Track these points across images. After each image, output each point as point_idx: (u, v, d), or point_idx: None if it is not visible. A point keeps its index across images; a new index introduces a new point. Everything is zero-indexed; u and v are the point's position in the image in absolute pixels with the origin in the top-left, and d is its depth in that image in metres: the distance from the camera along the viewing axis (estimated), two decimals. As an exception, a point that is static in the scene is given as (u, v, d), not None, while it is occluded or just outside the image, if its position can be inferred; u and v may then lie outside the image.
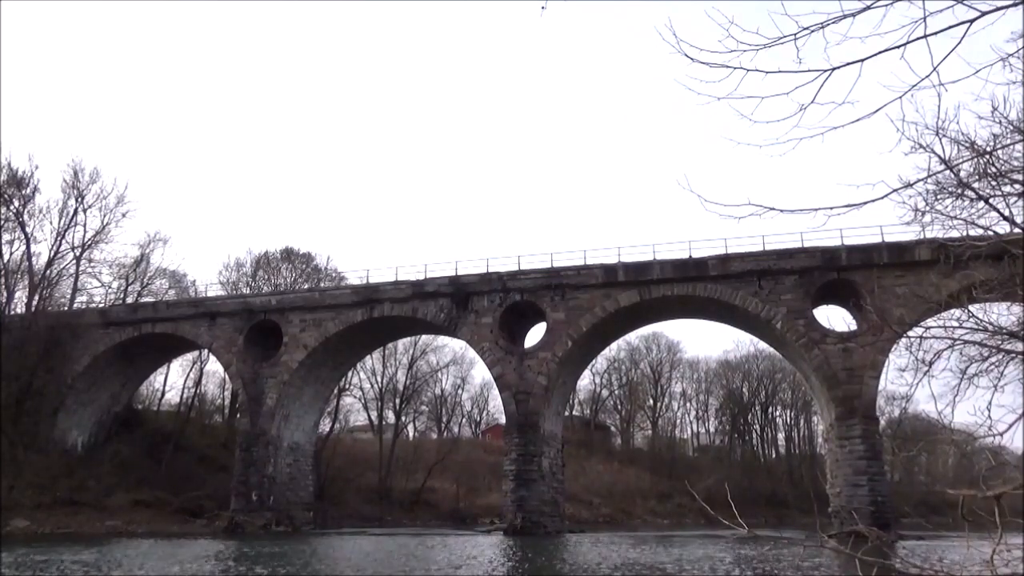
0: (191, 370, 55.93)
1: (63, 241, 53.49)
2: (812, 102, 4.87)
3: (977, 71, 4.83)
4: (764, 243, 36.46)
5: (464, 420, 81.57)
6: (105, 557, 23.03)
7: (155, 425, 49.86)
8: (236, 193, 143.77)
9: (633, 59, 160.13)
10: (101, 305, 47.79)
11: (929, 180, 6.18)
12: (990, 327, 7.44)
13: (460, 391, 78.11)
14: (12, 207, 49.45)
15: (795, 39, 4.73)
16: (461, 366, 74.26)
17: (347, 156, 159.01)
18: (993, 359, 7.68)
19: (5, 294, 48.38)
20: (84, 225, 51.89)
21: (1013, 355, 7.56)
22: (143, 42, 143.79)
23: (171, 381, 79.99)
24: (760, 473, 77.32)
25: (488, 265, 40.21)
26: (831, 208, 5.51)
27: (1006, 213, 6.52)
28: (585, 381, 77.38)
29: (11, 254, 54.08)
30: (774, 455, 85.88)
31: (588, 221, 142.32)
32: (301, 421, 43.61)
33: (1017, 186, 6.27)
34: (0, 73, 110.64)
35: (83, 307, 47.31)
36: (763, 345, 56.82)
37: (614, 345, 64.98)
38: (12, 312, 46.73)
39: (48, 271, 54.08)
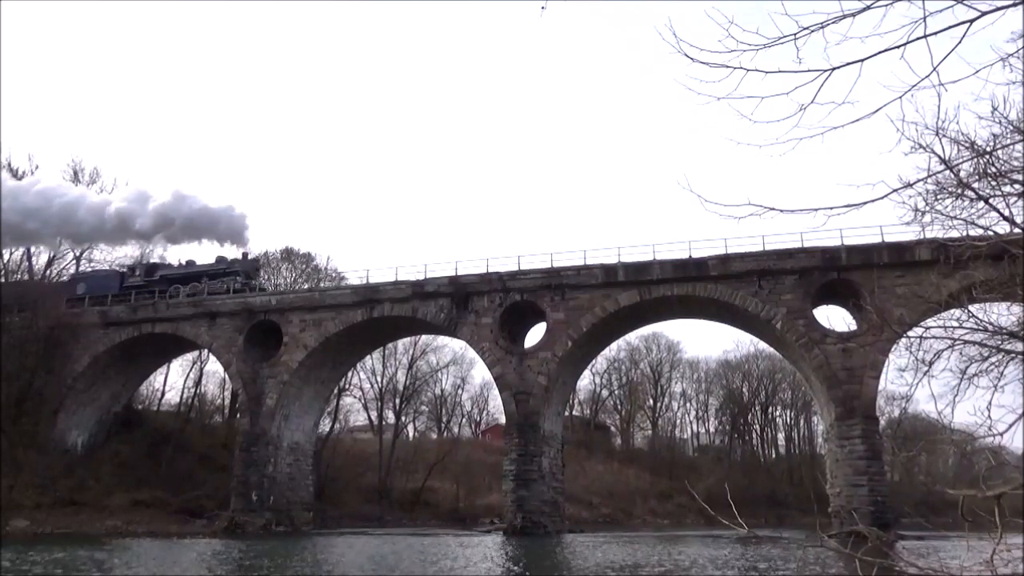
0: (191, 370, 56.03)
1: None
2: (812, 102, 4.87)
3: (977, 71, 4.83)
4: (764, 243, 36.46)
5: (464, 420, 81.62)
6: (105, 557, 23.03)
7: (155, 425, 49.86)
8: (236, 193, 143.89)
9: (633, 59, 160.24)
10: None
11: (929, 180, 6.17)
12: (990, 327, 7.43)
13: (460, 391, 78.18)
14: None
15: (795, 39, 4.73)
16: (461, 366, 74.32)
17: (347, 156, 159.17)
18: (993, 359, 7.66)
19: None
20: (84, 225, 51.93)
21: (1013, 355, 7.55)
22: (143, 42, 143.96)
23: (171, 381, 79.98)
24: (760, 473, 77.26)
25: (488, 265, 40.24)
26: (831, 208, 5.50)
27: (1006, 213, 6.50)
28: (585, 381, 77.40)
29: (11, 254, 54.20)
30: (774, 455, 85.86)
31: (588, 221, 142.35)
32: (301, 421, 43.61)
33: (1017, 186, 6.26)
34: (0, 73, 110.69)
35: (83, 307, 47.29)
36: (763, 345, 56.81)
37: (614, 345, 64.99)
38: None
39: (48, 271, 54.17)
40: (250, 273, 47.14)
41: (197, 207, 49.86)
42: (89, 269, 53.02)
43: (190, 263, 49.09)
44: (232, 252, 50.08)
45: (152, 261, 50.44)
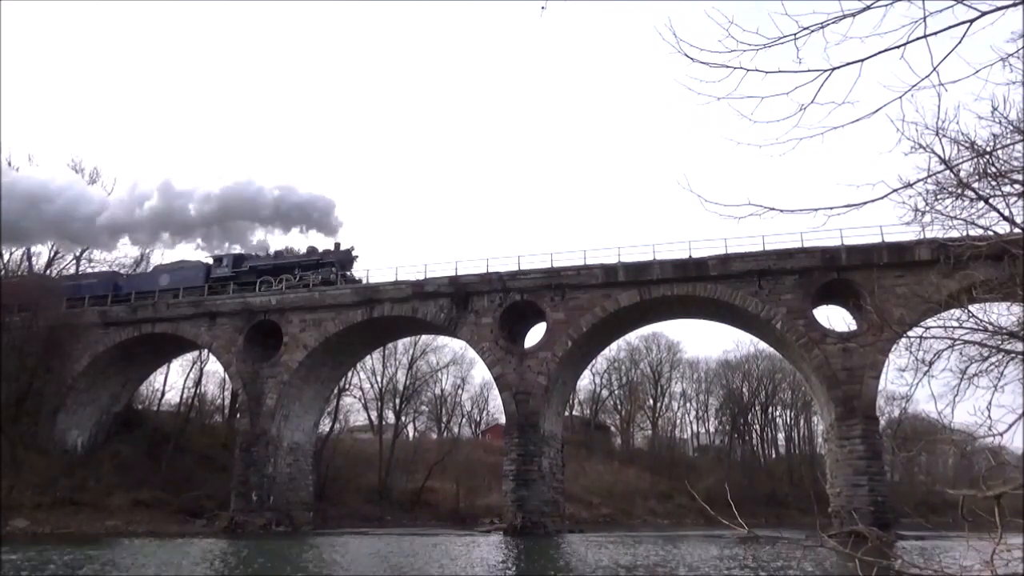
0: (191, 370, 56.03)
1: (63, 241, 53.54)
2: (812, 102, 4.87)
3: (977, 71, 4.83)
4: (764, 243, 36.43)
5: (464, 420, 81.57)
6: (105, 557, 23.03)
7: (155, 425, 49.84)
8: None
9: (633, 59, 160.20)
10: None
11: (929, 180, 6.18)
12: (990, 327, 7.43)
13: (460, 391, 78.13)
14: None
15: (795, 39, 4.73)
16: (461, 366, 74.27)
17: (346, 156, 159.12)
18: (993, 359, 7.66)
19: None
20: (84, 224, 51.79)
21: (1013, 355, 7.55)
22: (143, 41, 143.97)
23: (171, 381, 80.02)
24: (760, 473, 77.29)
25: (488, 265, 40.20)
26: (831, 208, 5.51)
27: (1006, 213, 6.50)
28: (585, 381, 77.40)
29: (11, 254, 54.25)
30: (774, 455, 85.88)
31: (588, 221, 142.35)
32: (301, 421, 43.60)
33: (1017, 186, 6.26)
34: (0, 73, 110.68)
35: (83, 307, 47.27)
36: (763, 345, 56.80)
37: (614, 345, 64.99)
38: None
39: (48, 271, 54.17)
40: (345, 264, 44.31)
41: (285, 194, 48.35)
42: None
43: (278, 254, 46.91)
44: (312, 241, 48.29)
45: (239, 252, 47.88)
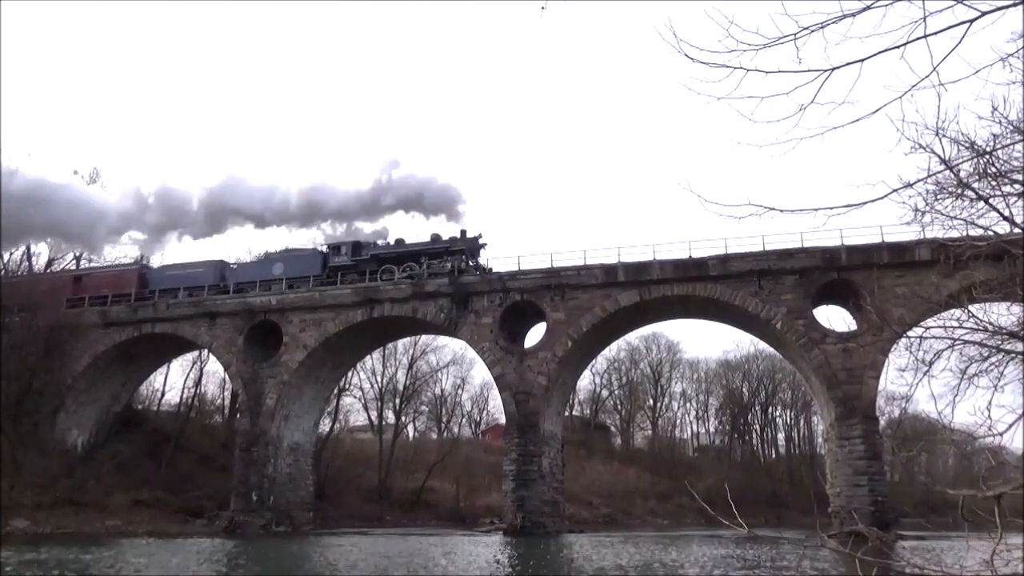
0: (191, 370, 55.98)
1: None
2: (812, 102, 4.88)
3: (977, 71, 4.84)
4: (764, 243, 36.43)
5: (464, 420, 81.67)
6: (105, 557, 23.04)
7: (155, 425, 49.83)
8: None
9: (633, 59, 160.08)
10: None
11: (929, 180, 6.19)
12: (990, 327, 7.43)
13: (460, 391, 78.22)
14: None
15: (795, 39, 4.74)
16: (461, 366, 74.35)
17: (345, 156, 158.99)
18: (993, 359, 7.66)
19: None
20: (84, 225, 51.75)
21: (1013, 355, 7.55)
22: (142, 40, 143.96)
23: (171, 381, 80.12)
24: (760, 473, 77.32)
25: (488, 265, 40.20)
26: (831, 208, 5.53)
27: (1006, 213, 6.50)
28: (585, 381, 77.50)
29: (11, 254, 54.25)
30: (774, 455, 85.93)
31: (588, 221, 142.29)
32: (301, 421, 43.60)
33: (1017, 186, 6.27)
34: (0, 73, 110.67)
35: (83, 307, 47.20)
36: (763, 345, 56.83)
37: (614, 345, 65.05)
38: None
39: (48, 271, 54.16)
40: (473, 251, 41.45)
41: (404, 177, 46.70)
42: (288, 248, 48.44)
43: (399, 242, 43.70)
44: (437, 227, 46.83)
45: (356, 239, 44.91)
